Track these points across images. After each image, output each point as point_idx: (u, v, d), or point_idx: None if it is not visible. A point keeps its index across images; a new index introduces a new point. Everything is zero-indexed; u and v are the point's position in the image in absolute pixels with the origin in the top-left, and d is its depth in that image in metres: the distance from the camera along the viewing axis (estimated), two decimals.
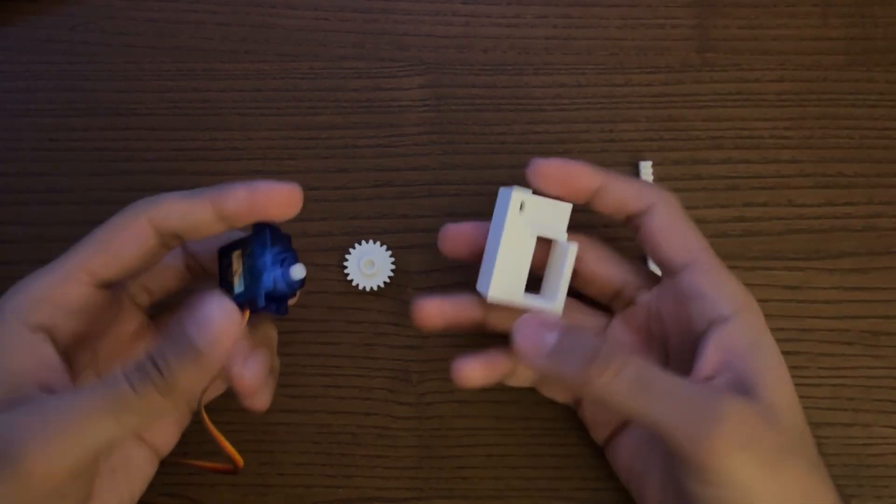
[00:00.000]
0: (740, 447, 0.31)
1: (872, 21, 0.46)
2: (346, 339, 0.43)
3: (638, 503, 0.39)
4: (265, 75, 0.45)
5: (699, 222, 0.42)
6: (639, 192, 0.37)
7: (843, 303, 0.44)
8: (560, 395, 0.41)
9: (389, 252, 0.43)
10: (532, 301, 0.37)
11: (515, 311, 0.36)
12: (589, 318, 0.40)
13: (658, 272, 0.43)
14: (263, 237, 0.35)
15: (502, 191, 0.37)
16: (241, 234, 0.36)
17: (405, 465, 0.43)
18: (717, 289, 0.36)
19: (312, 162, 0.44)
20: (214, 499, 0.42)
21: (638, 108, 0.45)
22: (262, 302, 0.34)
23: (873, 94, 0.45)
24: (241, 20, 0.45)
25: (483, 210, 0.44)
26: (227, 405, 0.43)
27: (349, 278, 0.43)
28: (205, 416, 0.35)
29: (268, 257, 0.34)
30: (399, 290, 0.44)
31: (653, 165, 0.44)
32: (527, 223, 0.36)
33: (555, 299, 0.37)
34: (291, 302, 0.37)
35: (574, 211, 0.38)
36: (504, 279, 0.36)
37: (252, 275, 0.35)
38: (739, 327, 0.35)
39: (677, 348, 0.37)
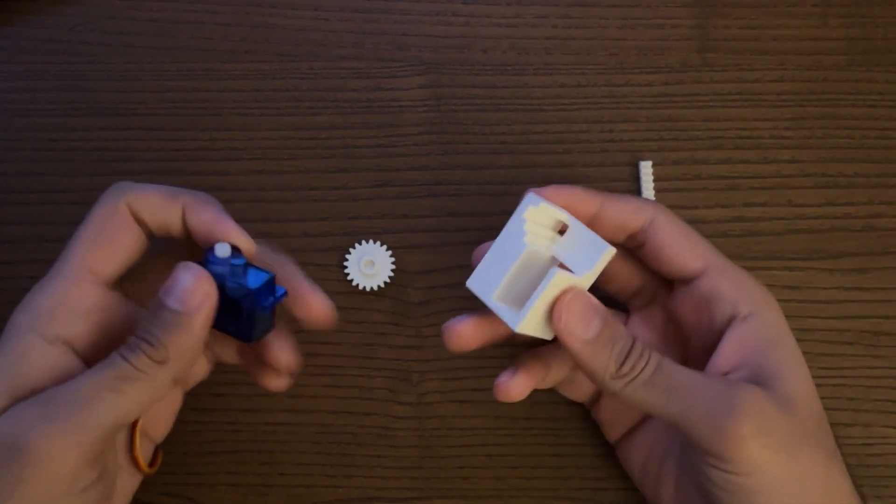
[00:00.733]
0: (758, 435, 0.32)
1: (872, 21, 0.46)
2: (346, 339, 0.43)
3: (651, 502, 0.39)
4: (265, 75, 0.45)
5: (699, 222, 0.42)
6: (636, 208, 0.37)
7: (843, 303, 0.44)
8: (580, 395, 0.41)
9: (389, 252, 0.43)
10: (497, 307, 0.34)
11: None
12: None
13: None
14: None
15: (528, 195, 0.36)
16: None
17: (405, 465, 0.43)
18: (735, 289, 0.36)
19: (312, 162, 0.44)
20: (214, 499, 0.42)
21: (638, 108, 0.45)
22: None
23: (873, 94, 0.45)
24: (241, 20, 0.45)
25: (483, 210, 0.44)
26: (227, 405, 0.43)
27: (349, 278, 0.43)
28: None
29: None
30: (399, 290, 0.44)
31: (653, 165, 0.44)
32: (528, 231, 0.36)
33: (519, 318, 0.34)
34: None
35: None
36: (484, 275, 0.35)
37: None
38: (758, 324, 0.35)
39: (697, 350, 0.37)
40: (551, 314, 0.33)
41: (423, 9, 0.45)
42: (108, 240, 0.34)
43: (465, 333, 0.36)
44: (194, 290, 0.32)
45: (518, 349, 0.39)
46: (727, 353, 0.35)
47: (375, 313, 0.43)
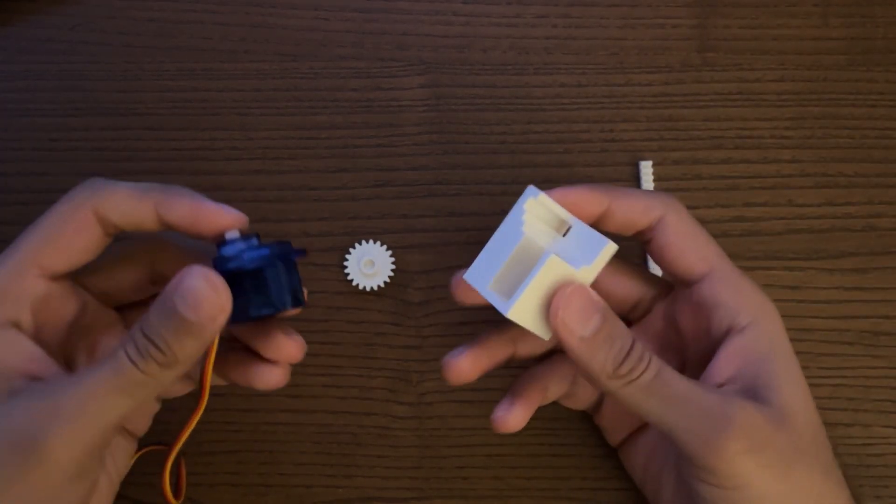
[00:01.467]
0: (748, 450, 0.32)
1: (872, 21, 0.46)
2: (346, 339, 0.43)
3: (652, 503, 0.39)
4: (265, 75, 0.45)
5: (699, 222, 0.42)
6: (646, 205, 0.36)
7: (843, 303, 0.44)
8: (580, 406, 0.40)
9: (389, 252, 0.43)
10: (490, 295, 0.34)
11: (541, 339, 0.34)
12: None
13: (659, 272, 0.43)
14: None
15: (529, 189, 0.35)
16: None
17: (405, 465, 0.43)
18: (735, 298, 0.35)
19: (312, 162, 0.44)
20: (214, 499, 0.42)
21: (638, 108, 0.45)
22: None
23: (873, 94, 0.45)
24: (241, 20, 0.45)
25: (483, 210, 0.44)
26: (227, 405, 0.43)
27: (349, 278, 0.43)
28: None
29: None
30: (399, 290, 0.44)
31: (653, 165, 0.44)
32: (526, 222, 0.35)
33: (510, 302, 0.33)
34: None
35: None
36: (480, 266, 0.34)
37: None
38: (755, 336, 0.34)
39: (695, 357, 0.37)
40: (549, 308, 0.32)
41: (423, 8, 0.45)
42: (63, 242, 0.34)
43: (464, 368, 0.36)
44: (209, 300, 0.31)
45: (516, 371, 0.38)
46: (723, 364, 0.34)
47: (375, 313, 0.43)
